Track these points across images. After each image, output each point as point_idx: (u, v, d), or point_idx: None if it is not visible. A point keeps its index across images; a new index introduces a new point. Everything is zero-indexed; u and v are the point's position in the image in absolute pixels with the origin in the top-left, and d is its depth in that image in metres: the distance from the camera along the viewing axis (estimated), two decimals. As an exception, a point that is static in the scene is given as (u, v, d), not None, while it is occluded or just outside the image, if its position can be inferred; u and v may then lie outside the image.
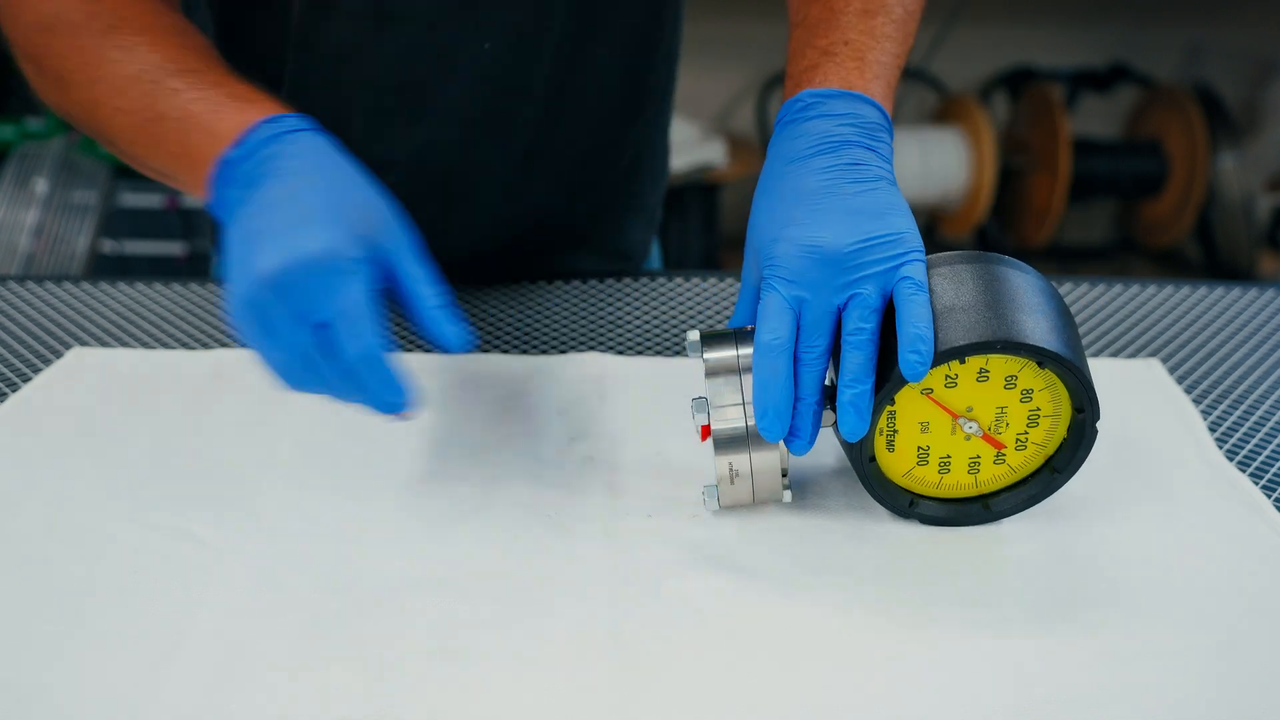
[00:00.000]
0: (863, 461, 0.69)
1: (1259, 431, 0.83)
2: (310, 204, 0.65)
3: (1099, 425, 0.69)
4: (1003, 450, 0.70)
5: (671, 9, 1.02)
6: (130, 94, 0.73)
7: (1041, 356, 0.65)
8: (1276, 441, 0.82)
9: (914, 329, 0.63)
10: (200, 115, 0.70)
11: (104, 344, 0.94)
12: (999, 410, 0.68)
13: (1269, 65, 3.03)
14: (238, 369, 0.89)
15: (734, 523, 0.72)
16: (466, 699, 0.58)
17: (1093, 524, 0.72)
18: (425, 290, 0.67)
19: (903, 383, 0.65)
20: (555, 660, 0.60)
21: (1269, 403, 0.87)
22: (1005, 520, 0.72)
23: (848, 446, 0.70)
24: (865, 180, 0.68)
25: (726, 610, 0.64)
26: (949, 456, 0.70)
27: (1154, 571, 0.68)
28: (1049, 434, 0.70)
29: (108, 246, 2.66)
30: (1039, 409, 0.69)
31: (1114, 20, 3.01)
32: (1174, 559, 0.69)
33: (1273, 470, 0.79)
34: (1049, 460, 0.71)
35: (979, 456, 0.70)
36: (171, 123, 0.71)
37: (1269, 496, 0.75)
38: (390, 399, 0.64)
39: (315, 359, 0.63)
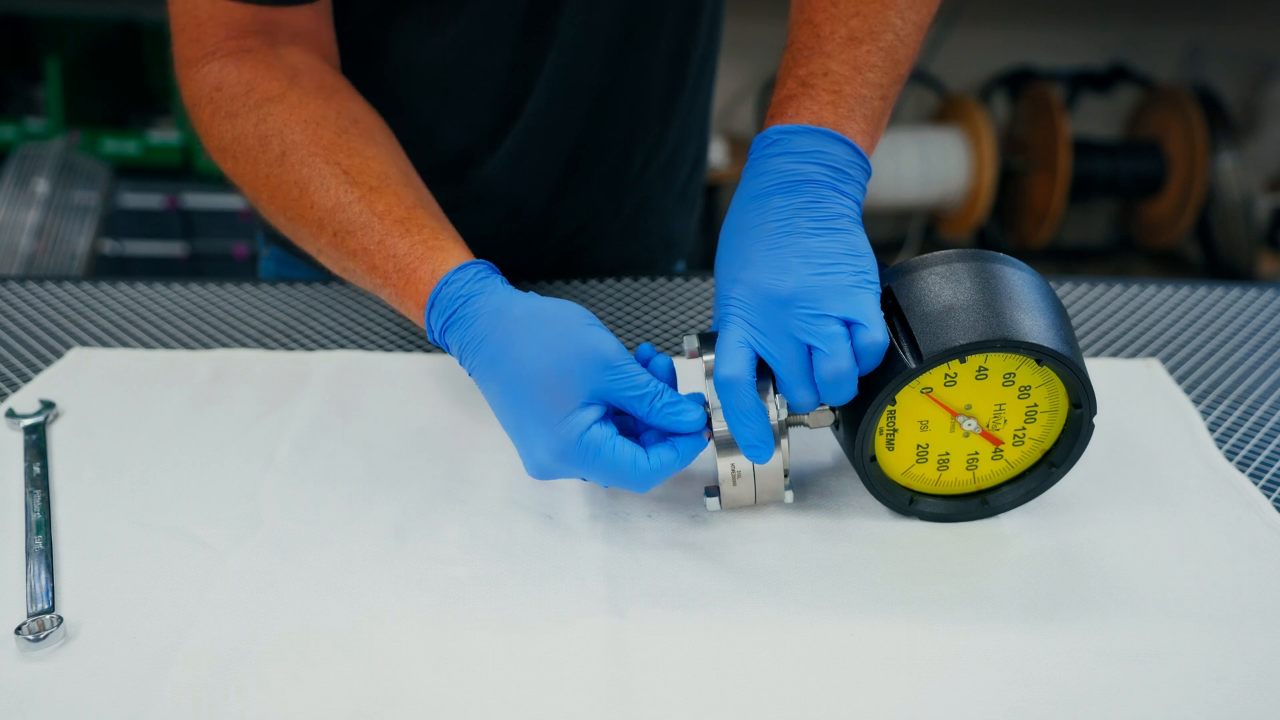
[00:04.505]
0: (864, 461, 0.69)
1: (1258, 431, 0.83)
2: (530, 401, 0.66)
3: (1097, 422, 0.69)
4: (1001, 446, 0.70)
5: (710, 4, 1.03)
6: (320, 240, 0.76)
7: (1040, 354, 0.65)
8: (1276, 441, 0.82)
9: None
10: (385, 288, 0.74)
11: (104, 344, 0.94)
12: (997, 407, 0.69)
13: (1268, 66, 3.03)
14: (238, 369, 0.89)
15: (733, 523, 0.72)
16: (465, 698, 0.58)
17: (1093, 524, 0.72)
18: (643, 404, 0.67)
19: (903, 383, 0.65)
20: (555, 660, 0.60)
21: (1268, 403, 0.87)
22: (1006, 521, 0.72)
23: (848, 446, 0.70)
24: (822, 219, 0.68)
25: (726, 610, 0.64)
26: (948, 454, 0.70)
27: (1154, 572, 0.68)
28: (1046, 429, 0.70)
29: (108, 247, 2.66)
30: (1036, 405, 0.69)
31: (1114, 20, 3.01)
32: (1174, 559, 0.69)
33: (1272, 470, 0.79)
34: (1046, 455, 0.71)
35: (977, 453, 0.70)
36: (370, 282, 0.75)
37: (1268, 496, 0.75)
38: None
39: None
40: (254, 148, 0.77)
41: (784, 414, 0.67)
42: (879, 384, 0.66)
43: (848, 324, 0.65)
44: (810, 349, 0.65)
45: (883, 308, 0.67)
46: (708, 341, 0.70)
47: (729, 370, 0.66)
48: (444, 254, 0.72)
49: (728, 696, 0.58)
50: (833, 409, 0.69)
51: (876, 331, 0.64)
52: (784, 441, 0.68)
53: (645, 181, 1.09)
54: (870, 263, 0.67)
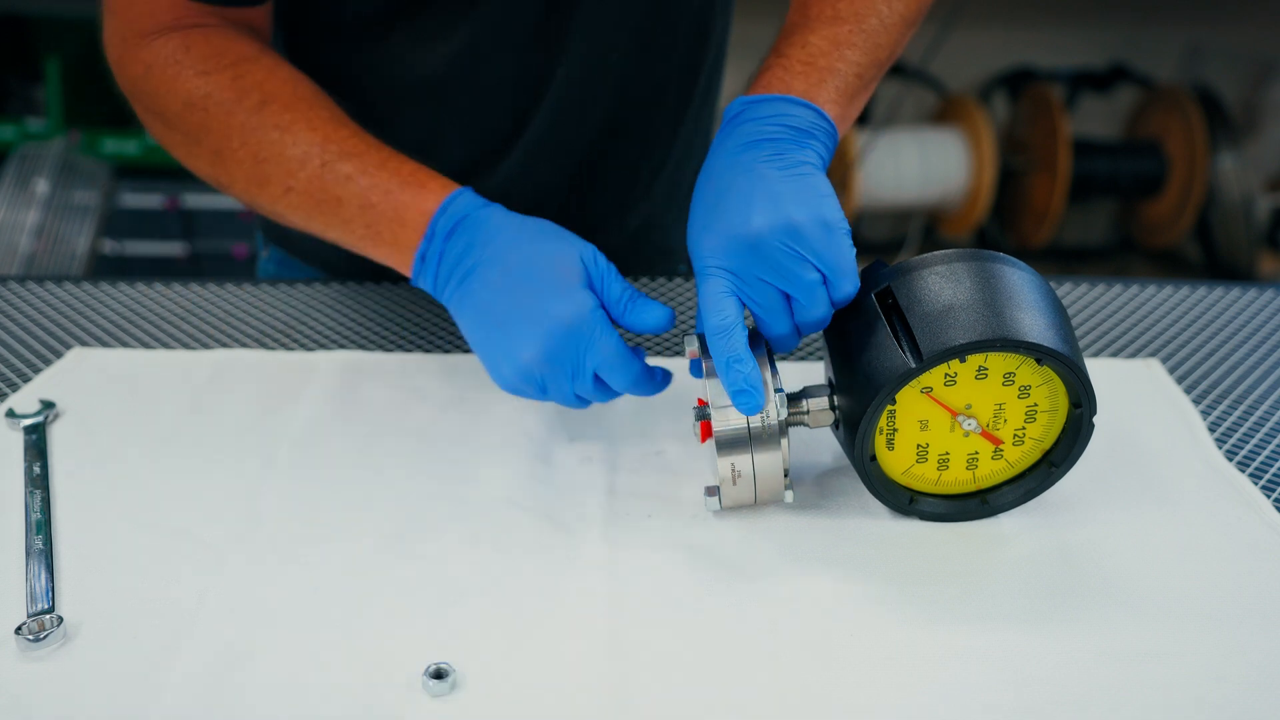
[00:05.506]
0: (864, 460, 0.69)
1: (1258, 431, 0.83)
2: (531, 282, 0.71)
3: (1097, 421, 0.69)
4: (1001, 446, 0.70)
5: (721, 16, 1.04)
6: (300, 175, 0.76)
7: (1040, 353, 0.66)
8: (1276, 441, 0.82)
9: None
10: (381, 205, 0.75)
11: (104, 344, 0.94)
12: (997, 407, 0.69)
13: (1268, 66, 3.03)
14: (238, 369, 0.89)
15: (734, 523, 0.72)
16: (466, 698, 0.58)
17: (1093, 524, 0.72)
18: (619, 291, 0.73)
19: (903, 382, 0.66)
20: (555, 660, 0.60)
21: (1268, 403, 0.87)
22: (1006, 521, 0.72)
23: (848, 446, 0.70)
24: (786, 165, 0.70)
25: (726, 610, 0.64)
26: (948, 453, 0.70)
27: (1154, 572, 0.68)
28: (1046, 429, 0.70)
29: (108, 247, 2.66)
30: (1036, 405, 0.69)
31: (1114, 20, 3.01)
32: (1174, 559, 0.69)
33: (1272, 470, 0.79)
34: (1046, 455, 0.71)
35: (977, 453, 0.70)
36: (354, 209, 0.75)
37: (1268, 496, 0.75)
38: (652, 389, 0.73)
39: (590, 398, 0.72)
40: (230, 100, 0.77)
41: (784, 413, 0.67)
42: (878, 383, 0.66)
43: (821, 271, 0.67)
44: (786, 293, 0.68)
45: (882, 307, 0.67)
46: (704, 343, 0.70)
47: (718, 318, 0.67)
48: (444, 180, 0.76)
49: (728, 696, 0.58)
50: (833, 409, 0.70)
51: (848, 284, 0.68)
52: (784, 441, 0.68)
53: (650, 198, 1.10)
54: (834, 203, 0.69)
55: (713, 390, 0.68)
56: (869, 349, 0.67)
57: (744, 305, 0.68)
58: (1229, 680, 0.60)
